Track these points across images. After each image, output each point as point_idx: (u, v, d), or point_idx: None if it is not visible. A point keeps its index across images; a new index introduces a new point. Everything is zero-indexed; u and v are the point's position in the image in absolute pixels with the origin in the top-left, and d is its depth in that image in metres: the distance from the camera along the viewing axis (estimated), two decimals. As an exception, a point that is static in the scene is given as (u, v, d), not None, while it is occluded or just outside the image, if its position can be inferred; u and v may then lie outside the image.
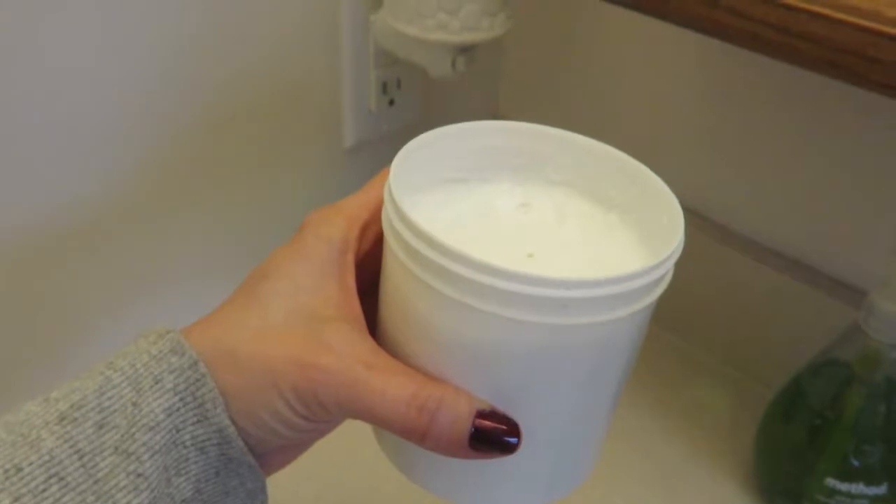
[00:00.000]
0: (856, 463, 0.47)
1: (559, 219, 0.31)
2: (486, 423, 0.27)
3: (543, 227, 0.31)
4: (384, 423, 0.27)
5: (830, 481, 0.48)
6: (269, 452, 0.29)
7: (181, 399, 0.27)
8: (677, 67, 0.60)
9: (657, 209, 0.29)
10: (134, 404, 0.26)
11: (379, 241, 0.30)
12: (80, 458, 0.25)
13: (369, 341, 0.28)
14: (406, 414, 0.26)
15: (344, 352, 0.27)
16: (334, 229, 0.30)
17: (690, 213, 0.63)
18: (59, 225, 0.49)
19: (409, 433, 0.27)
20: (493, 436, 0.27)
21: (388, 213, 0.27)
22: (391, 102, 0.63)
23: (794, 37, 0.34)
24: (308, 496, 0.50)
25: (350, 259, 0.30)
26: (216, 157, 0.56)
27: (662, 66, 0.60)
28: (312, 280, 0.29)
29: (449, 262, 0.25)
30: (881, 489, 0.47)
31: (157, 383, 0.27)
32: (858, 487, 0.47)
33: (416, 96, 0.65)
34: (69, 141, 0.48)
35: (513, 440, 0.27)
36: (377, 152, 0.65)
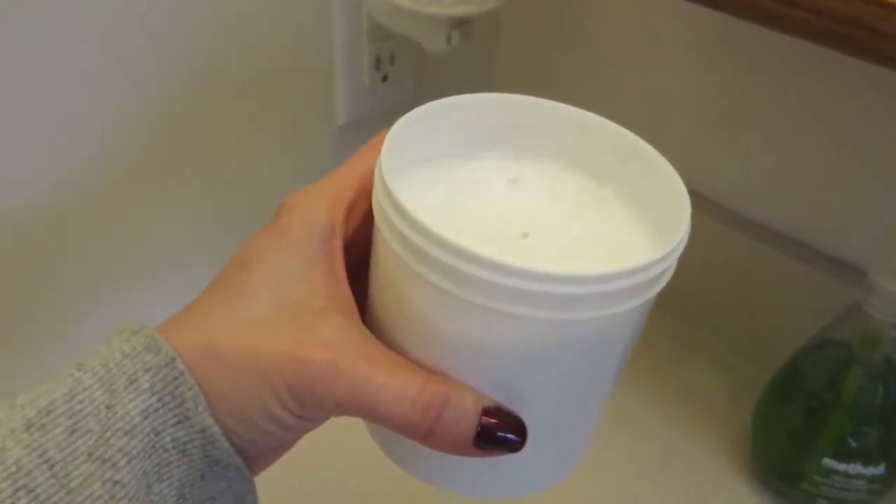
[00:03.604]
0: (853, 443, 0.47)
1: (552, 194, 0.30)
2: (492, 420, 0.26)
3: (536, 204, 0.30)
4: (385, 421, 0.26)
5: (828, 462, 0.47)
6: (257, 454, 0.28)
7: (159, 399, 0.25)
8: (676, 41, 0.59)
9: (654, 183, 0.28)
10: (108, 407, 0.25)
11: (366, 220, 0.28)
12: (51, 467, 0.23)
13: (364, 332, 0.27)
14: (411, 412, 0.25)
15: (340, 345, 0.26)
16: (318, 213, 0.28)
17: (688, 192, 0.62)
18: (43, 206, 0.48)
19: (413, 431, 0.25)
20: (499, 435, 0.26)
21: (380, 202, 0.26)
22: (385, 78, 0.62)
23: (800, 8, 0.33)
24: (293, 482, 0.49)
25: (338, 244, 0.28)
26: (206, 136, 0.55)
27: (661, 39, 0.59)
28: (299, 269, 0.27)
29: (455, 260, 0.23)
30: (879, 469, 0.47)
31: (131, 383, 0.25)
32: (856, 468, 0.47)
33: (411, 72, 0.64)
34: (53, 116, 0.46)
35: (518, 439, 0.26)
36: (371, 129, 0.64)
